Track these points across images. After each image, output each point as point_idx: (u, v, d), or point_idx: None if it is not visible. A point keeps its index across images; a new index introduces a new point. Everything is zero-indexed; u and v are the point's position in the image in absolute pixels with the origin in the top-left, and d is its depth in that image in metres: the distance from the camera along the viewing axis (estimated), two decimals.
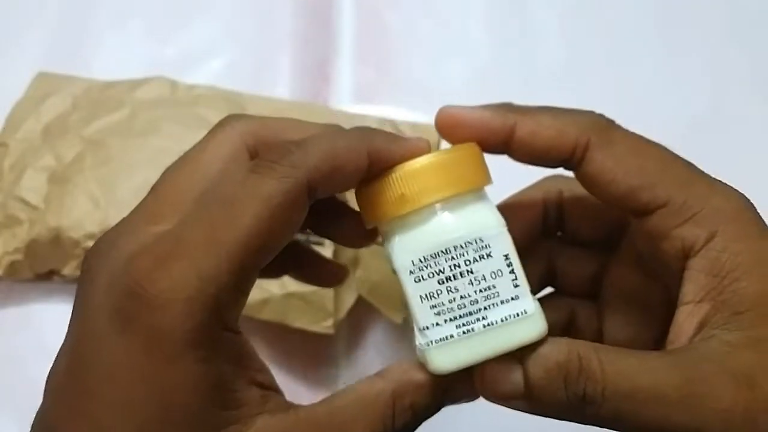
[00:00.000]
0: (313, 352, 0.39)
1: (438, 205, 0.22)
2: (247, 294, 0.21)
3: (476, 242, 0.21)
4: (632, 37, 0.51)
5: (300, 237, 0.37)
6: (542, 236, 0.28)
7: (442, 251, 0.21)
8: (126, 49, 0.49)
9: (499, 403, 0.22)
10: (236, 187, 0.20)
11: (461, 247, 0.21)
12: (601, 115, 0.25)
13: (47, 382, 0.21)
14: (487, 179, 0.23)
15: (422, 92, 0.48)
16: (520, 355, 0.21)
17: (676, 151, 0.26)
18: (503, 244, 0.21)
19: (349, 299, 0.38)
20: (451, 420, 0.40)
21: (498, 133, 0.24)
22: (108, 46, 0.49)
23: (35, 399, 0.21)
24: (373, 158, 0.22)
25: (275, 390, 0.21)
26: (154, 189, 0.22)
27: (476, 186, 0.22)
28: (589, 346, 0.21)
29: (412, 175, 0.22)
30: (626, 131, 0.24)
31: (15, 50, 0.49)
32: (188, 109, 0.42)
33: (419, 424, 0.22)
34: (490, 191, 0.23)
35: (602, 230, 0.28)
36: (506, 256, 0.21)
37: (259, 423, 0.20)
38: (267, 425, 0.20)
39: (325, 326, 0.37)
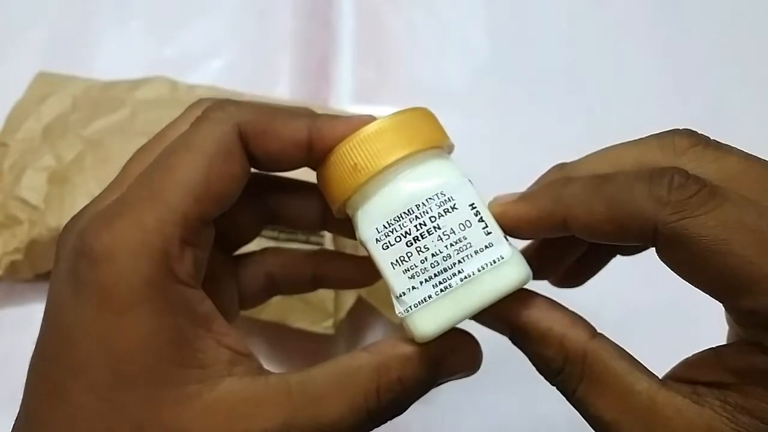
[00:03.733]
0: (313, 353, 0.39)
1: (395, 168, 0.21)
2: (199, 247, 0.20)
3: (438, 197, 0.21)
4: (632, 37, 0.51)
5: (299, 236, 0.37)
6: None
7: (404, 212, 0.21)
8: (126, 49, 0.50)
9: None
10: (174, 141, 0.21)
11: (423, 204, 0.20)
12: (675, 173, 0.19)
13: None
14: (441, 138, 0.22)
15: (422, 92, 0.48)
16: None
17: None
18: (467, 193, 0.21)
19: (349, 299, 0.38)
20: (451, 420, 0.40)
21: (555, 227, 0.21)
22: (108, 46, 0.50)
23: None
24: (315, 135, 0.21)
25: (247, 355, 0.20)
26: (123, 168, 0.22)
27: (429, 144, 0.21)
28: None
29: (361, 144, 0.21)
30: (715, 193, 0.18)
31: (15, 50, 0.49)
32: None
33: (411, 402, 0.21)
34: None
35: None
36: (472, 206, 0.21)
37: (224, 385, 0.19)
38: (232, 388, 0.19)
39: (325, 327, 0.37)
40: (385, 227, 0.21)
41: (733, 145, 0.20)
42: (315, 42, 0.50)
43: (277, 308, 0.37)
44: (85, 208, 0.21)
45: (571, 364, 0.20)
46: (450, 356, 0.22)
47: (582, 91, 0.49)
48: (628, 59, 0.50)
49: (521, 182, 0.48)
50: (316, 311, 0.37)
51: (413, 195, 0.21)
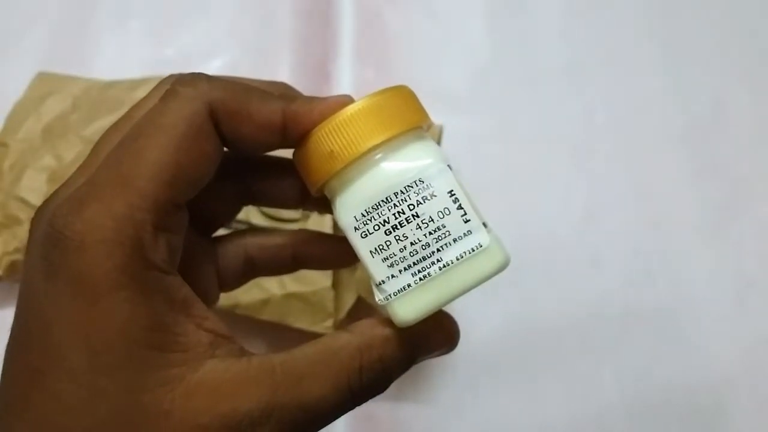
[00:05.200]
0: None
1: (372, 155, 0.21)
2: (172, 232, 0.20)
3: (416, 184, 0.20)
4: (632, 36, 0.51)
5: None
6: None
7: (382, 200, 0.20)
8: (126, 49, 0.50)
9: None
10: (143, 120, 0.20)
11: (402, 192, 0.20)
12: None
13: None
14: (420, 118, 0.21)
15: (422, 92, 0.48)
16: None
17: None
18: (446, 180, 0.20)
19: (349, 299, 0.38)
20: (452, 420, 0.40)
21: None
22: (108, 46, 0.50)
23: None
24: (290, 119, 0.21)
25: (228, 337, 0.20)
26: (92, 149, 0.22)
27: (408, 126, 0.21)
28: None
29: (338, 129, 0.20)
30: None
31: (15, 50, 0.49)
32: None
33: (391, 381, 0.21)
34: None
35: None
36: (451, 193, 0.20)
37: (207, 367, 0.19)
38: (215, 369, 0.19)
39: (326, 327, 0.37)
40: (363, 215, 0.20)
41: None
42: (315, 42, 0.50)
43: (277, 308, 0.37)
44: (56, 191, 0.21)
45: None
46: (428, 336, 0.22)
47: (581, 90, 0.49)
48: (627, 59, 0.50)
49: (521, 181, 0.48)
50: (316, 311, 0.37)
51: (391, 183, 0.20)
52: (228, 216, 0.26)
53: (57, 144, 0.41)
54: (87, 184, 0.19)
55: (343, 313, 0.38)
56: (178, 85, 0.20)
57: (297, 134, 0.21)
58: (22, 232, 0.39)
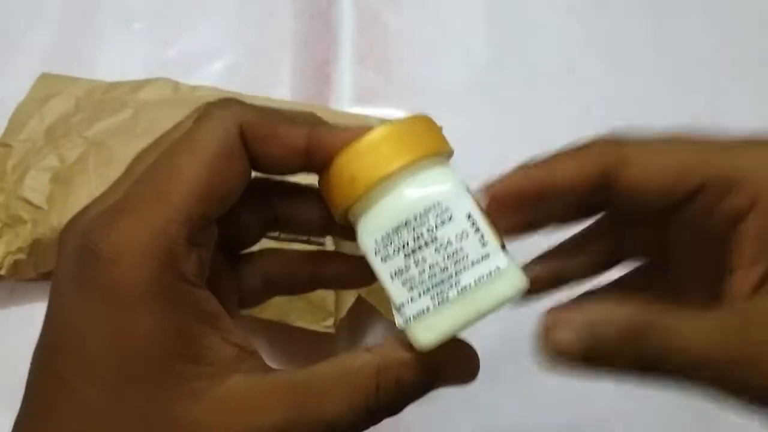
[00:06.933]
0: (314, 352, 0.40)
1: (392, 179, 0.21)
2: (203, 246, 0.21)
3: (435, 208, 0.21)
4: (631, 37, 0.51)
5: (300, 236, 0.37)
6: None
7: (402, 225, 0.21)
8: (129, 51, 0.50)
9: (553, 358, 0.21)
10: (177, 139, 0.21)
11: (420, 216, 0.21)
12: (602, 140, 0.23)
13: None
14: (439, 145, 0.22)
15: (422, 92, 0.49)
16: (587, 311, 0.19)
17: None
18: (464, 204, 0.21)
19: (349, 299, 0.38)
20: (451, 420, 0.40)
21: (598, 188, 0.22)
22: (111, 48, 0.50)
23: None
24: (314, 144, 0.21)
25: (252, 352, 0.21)
26: (127, 168, 0.22)
27: (426, 153, 0.21)
28: (657, 311, 0.19)
29: (359, 155, 0.21)
30: (634, 140, 0.23)
31: (18, 50, 0.49)
32: (190, 110, 0.42)
33: (406, 404, 0.22)
34: None
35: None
36: (469, 216, 0.21)
37: (232, 381, 0.20)
38: (239, 385, 0.20)
39: (326, 326, 0.37)
40: (383, 239, 0.21)
41: None
42: (316, 43, 0.50)
43: (279, 307, 0.37)
44: (86, 207, 0.21)
45: None
46: (447, 365, 0.22)
47: (580, 90, 0.49)
48: (625, 59, 0.50)
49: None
50: (317, 310, 0.37)
51: (410, 207, 0.21)
52: (252, 240, 0.26)
53: (60, 144, 0.41)
54: (122, 199, 0.20)
55: (343, 312, 0.38)
56: (211, 107, 0.22)
57: (320, 158, 0.22)
58: (25, 232, 0.39)
